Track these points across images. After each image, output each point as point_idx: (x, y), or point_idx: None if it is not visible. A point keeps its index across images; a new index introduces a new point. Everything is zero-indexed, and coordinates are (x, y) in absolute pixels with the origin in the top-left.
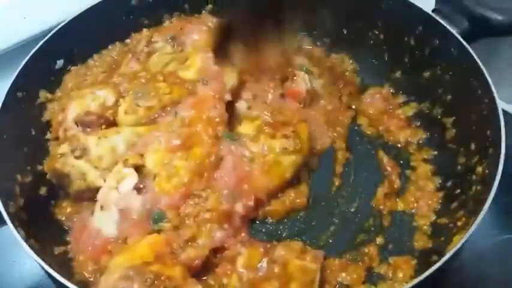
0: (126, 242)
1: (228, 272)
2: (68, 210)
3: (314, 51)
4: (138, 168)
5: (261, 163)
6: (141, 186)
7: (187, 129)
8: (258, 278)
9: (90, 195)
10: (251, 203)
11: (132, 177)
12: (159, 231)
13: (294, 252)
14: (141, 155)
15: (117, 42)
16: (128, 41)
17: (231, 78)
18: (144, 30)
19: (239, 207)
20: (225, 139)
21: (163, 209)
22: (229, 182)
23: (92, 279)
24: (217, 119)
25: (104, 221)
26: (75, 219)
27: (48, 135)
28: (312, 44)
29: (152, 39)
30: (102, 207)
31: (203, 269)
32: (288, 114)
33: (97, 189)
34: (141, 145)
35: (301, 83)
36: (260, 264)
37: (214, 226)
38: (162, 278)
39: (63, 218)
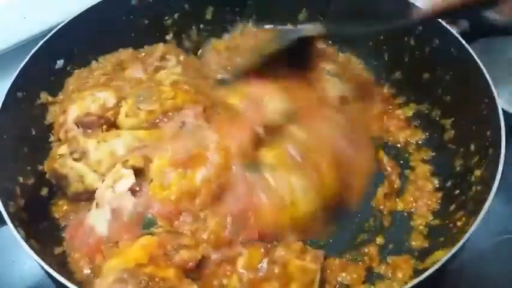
0: (118, 246)
1: (228, 273)
2: (64, 208)
3: (325, 51)
4: (138, 171)
5: (275, 198)
6: (137, 188)
7: (197, 150)
8: (258, 279)
9: (88, 196)
10: (254, 237)
11: (129, 178)
12: (151, 234)
13: (294, 253)
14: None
15: (130, 48)
16: (141, 49)
17: (278, 103)
18: (161, 45)
19: (241, 239)
20: (242, 168)
21: (155, 216)
22: (235, 210)
23: (88, 271)
24: (238, 150)
25: (97, 219)
26: (71, 218)
27: (52, 138)
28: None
29: (167, 57)
30: (97, 205)
31: (201, 267)
32: (314, 146)
33: (95, 192)
34: (152, 148)
35: (333, 89)
36: (260, 264)
37: (210, 249)
38: (156, 279)
39: (59, 216)
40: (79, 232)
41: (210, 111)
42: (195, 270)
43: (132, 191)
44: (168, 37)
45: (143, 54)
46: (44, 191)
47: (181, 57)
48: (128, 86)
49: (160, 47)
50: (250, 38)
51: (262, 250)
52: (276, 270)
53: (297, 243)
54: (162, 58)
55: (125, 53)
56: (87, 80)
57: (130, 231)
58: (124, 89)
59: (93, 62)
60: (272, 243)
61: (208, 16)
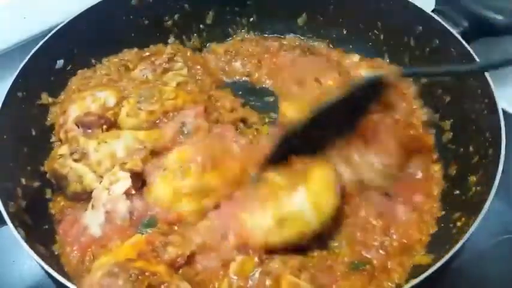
0: (107, 248)
1: (220, 277)
2: (62, 204)
3: (331, 55)
4: (136, 174)
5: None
6: (133, 192)
7: (220, 154)
8: None
9: (87, 196)
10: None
11: (125, 181)
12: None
13: (289, 268)
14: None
15: (135, 48)
16: (146, 49)
17: None
18: (169, 46)
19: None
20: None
21: (157, 218)
22: (225, 214)
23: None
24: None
25: (92, 220)
26: (67, 213)
27: (53, 138)
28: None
29: (174, 58)
30: (93, 206)
31: (190, 264)
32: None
33: None
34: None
35: None
36: (252, 273)
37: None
38: (146, 273)
39: (56, 212)
40: (73, 229)
41: (211, 110)
42: (188, 271)
43: (127, 195)
44: (169, 38)
45: (147, 53)
46: (45, 192)
47: (188, 54)
48: (130, 86)
49: (168, 49)
50: (250, 45)
51: (256, 260)
52: (268, 283)
53: (295, 260)
54: (170, 60)
55: (129, 53)
56: (89, 80)
57: (123, 233)
58: (126, 89)
59: (98, 63)
60: (268, 256)
61: (209, 18)
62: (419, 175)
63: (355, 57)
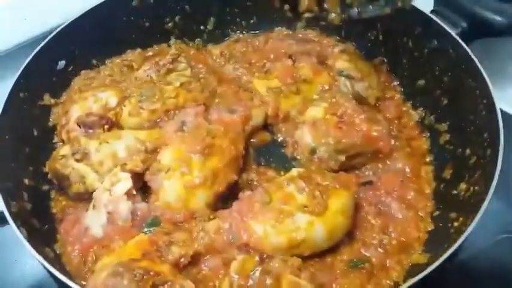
0: (110, 248)
1: (220, 276)
2: (63, 203)
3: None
4: (137, 175)
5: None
6: (134, 192)
7: (209, 140)
8: (248, 287)
9: (89, 196)
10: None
11: (126, 182)
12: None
13: (290, 268)
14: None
15: (138, 49)
16: (149, 49)
17: (257, 117)
18: (173, 47)
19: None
20: None
21: (161, 219)
22: (235, 218)
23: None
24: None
25: (93, 220)
26: (69, 213)
27: (55, 139)
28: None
29: (178, 59)
30: (94, 207)
31: (195, 265)
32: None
33: None
34: (161, 142)
35: (343, 88)
36: (252, 272)
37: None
38: (151, 273)
39: (57, 211)
40: (75, 229)
41: (211, 102)
42: (190, 270)
43: (129, 195)
44: (170, 40)
45: (151, 53)
46: (47, 191)
47: (191, 53)
48: (132, 86)
49: (172, 49)
50: (242, 45)
51: (257, 258)
52: (268, 282)
53: (295, 259)
54: (174, 60)
55: (132, 54)
56: (92, 81)
57: (126, 234)
58: (129, 89)
59: (99, 64)
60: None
61: (210, 19)
62: (409, 173)
63: (337, 48)
